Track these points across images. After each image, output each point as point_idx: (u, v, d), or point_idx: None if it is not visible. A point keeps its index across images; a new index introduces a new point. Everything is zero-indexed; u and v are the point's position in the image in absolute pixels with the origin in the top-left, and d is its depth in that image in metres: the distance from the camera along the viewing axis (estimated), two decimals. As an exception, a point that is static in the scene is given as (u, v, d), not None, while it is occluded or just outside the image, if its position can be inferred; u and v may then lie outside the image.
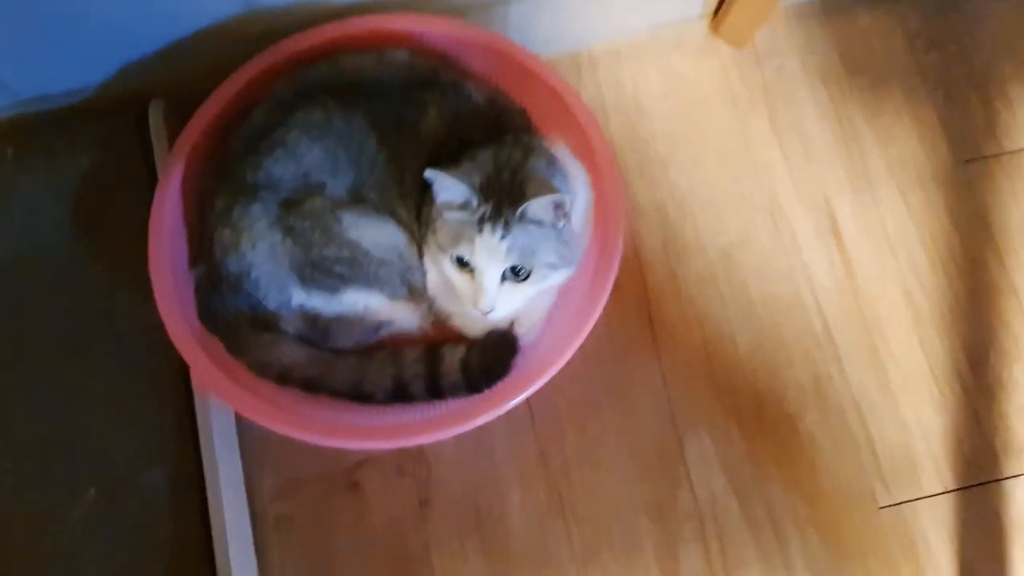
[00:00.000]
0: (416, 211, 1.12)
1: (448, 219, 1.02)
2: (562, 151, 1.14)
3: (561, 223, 1.03)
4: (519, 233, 0.99)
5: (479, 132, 1.12)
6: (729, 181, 1.37)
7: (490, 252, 0.99)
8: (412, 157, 1.09)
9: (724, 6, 1.41)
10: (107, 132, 1.23)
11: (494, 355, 1.11)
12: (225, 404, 1.16)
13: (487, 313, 1.02)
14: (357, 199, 1.10)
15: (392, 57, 1.15)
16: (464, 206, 1.00)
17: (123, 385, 1.12)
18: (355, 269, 1.09)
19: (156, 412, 1.12)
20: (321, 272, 1.08)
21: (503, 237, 0.99)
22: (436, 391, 1.09)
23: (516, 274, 1.02)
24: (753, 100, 1.43)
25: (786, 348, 1.29)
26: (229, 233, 1.07)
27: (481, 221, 0.99)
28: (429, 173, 0.99)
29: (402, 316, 1.16)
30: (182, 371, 1.12)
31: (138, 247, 1.07)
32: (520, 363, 1.10)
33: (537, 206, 0.98)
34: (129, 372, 1.13)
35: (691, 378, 1.26)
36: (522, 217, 0.98)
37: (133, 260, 1.08)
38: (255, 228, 1.05)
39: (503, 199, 1.00)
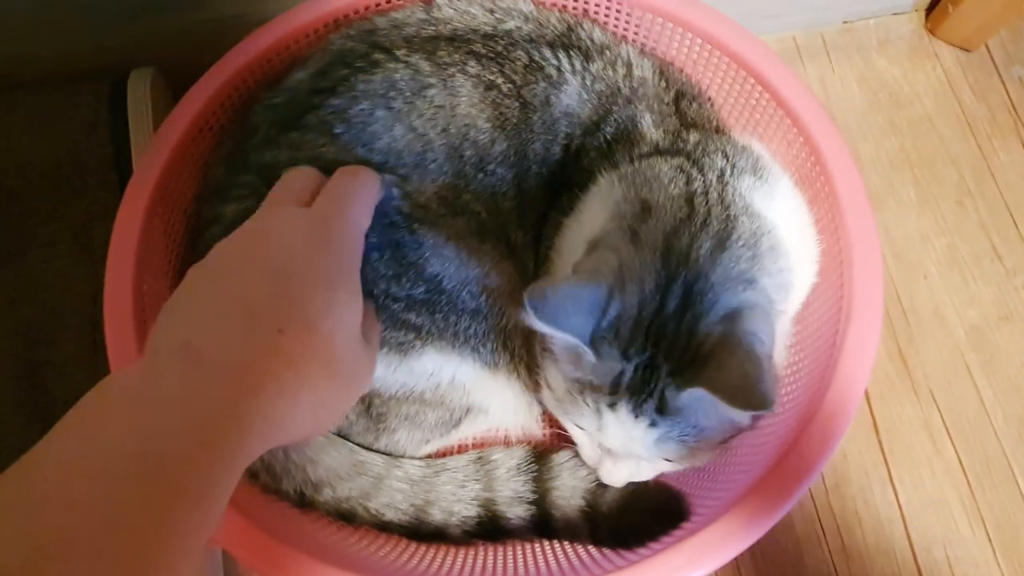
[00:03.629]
0: (538, 231, 0.80)
1: (559, 365, 0.70)
2: (783, 192, 0.78)
3: None
4: (681, 419, 0.65)
5: (651, 117, 0.79)
6: (975, 231, 1.08)
7: (629, 439, 0.67)
8: (541, 148, 0.78)
9: (947, -2, 1.16)
10: (60, 107, 0.94)
11: (637, 513, 0.79)
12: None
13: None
14: (453, 210, 0.75)
15: (510, 5, 0.83)
16: (575, 353, 0.66)
17: None
18: (436, 319, 0.74)
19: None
20: (388, 320, 0.73)
21: (652, 425, 0.65)
22: (548, 529, 0.80)
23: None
24: (996, 122, 1.15)
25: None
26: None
27: (614, 392, 0.65)
28: (528, 297, 0.60)
29: (502, 401, 0.83)
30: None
31: (89, 272, 0.84)
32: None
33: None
34: None
35: (947, 524, 0.93)
36: (691, 400, 0.64)
37: (80, 293, 0.85)
38: None
39: (661, 354, 0.64)
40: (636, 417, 0.64)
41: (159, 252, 0.79)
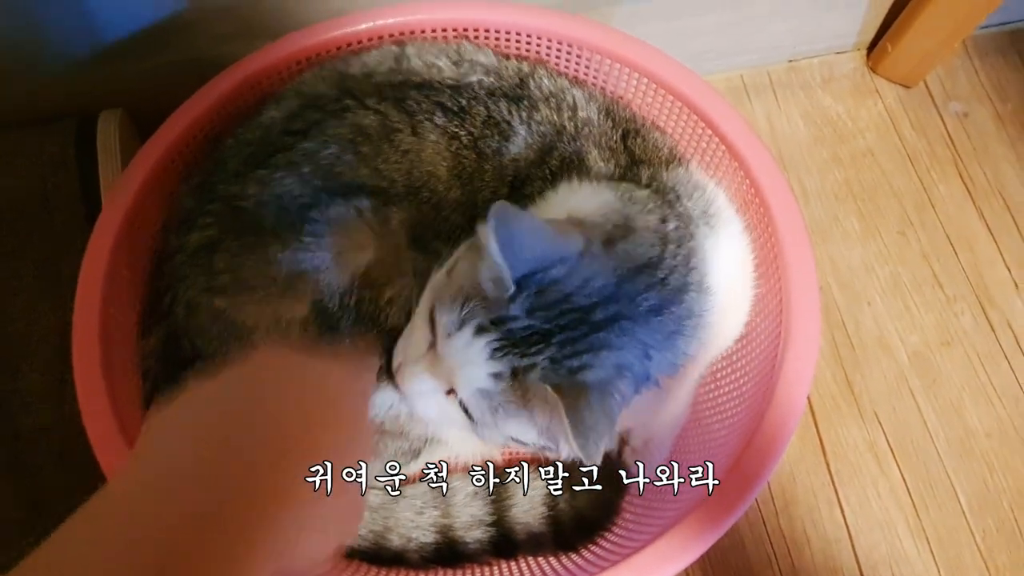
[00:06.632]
0: None
1: (479, 264, 0.67)
2: (729, 241, 0.81)
3: None
4: (516, 396, 0.65)
5: (597, 152, 0.83)
6: (917, 259, 1.13)
7: (463, 364, 0.65)
8: (490, 195, 0.81)
9: (887, 37, 1.22)
10: (29, 147, 0.96)
11: (590, 495, 0.83)
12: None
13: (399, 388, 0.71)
14: (416, 247, 0.79)
15: (473, 57, 0.88)
16: (496, 281, 0.65)
17: (18, 521, 0.83)
18: None
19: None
20: None
21: (495, 376, 0.64)
22: (507, 547, 0.83)
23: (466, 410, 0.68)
24: (935, 156, 1.20)
25: (1029, 502, 0.99)
26: (204, 283, 0.76)
27: (495, 324, 0.64)
28: (494, 210, 0.61)
29: (460, 432, 0.81)
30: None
31: (56, 305, 0.84)
32: (639, 504, 0.83)
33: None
34: (29, 496, 0.84)
35: (892, 543, 0.96)
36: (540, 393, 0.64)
37: (46, 326, 0.85)
38: (255, 284, 0.75)
39: (556, 338, 0.64)
40: (488, 357, 0.63)
41: (125, 287, 0.81)
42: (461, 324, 0.64)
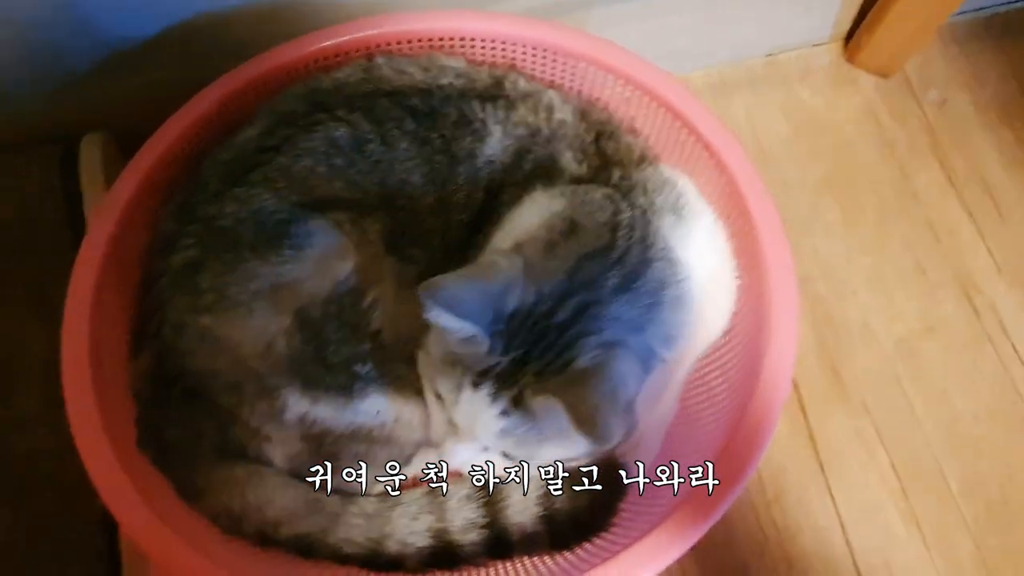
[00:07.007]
0: None
1: (444, 334, 0.72)
2: (702, 231, 0.85)
3: None
4: (529, 420, 0.70)
5: (571, 155, 0.85)
6: (899, 248, 1.14)
7: (477, 421, 0.71)
8: (464, 198, 0.84)
9: (863, 28, 1.24)
10: (13, 171, 0.98)
11: (589, 496, 0.83)
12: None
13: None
14: (393, 254, 0.82)
15: (444, 63, 0.89)
16: (469, 341, 0.69)
17: (17, 546, 0.84)
18: (379, 368, 0.80)
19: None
20: (334, 371, 0.78)
21: (503, 414, 0.69)
22: (502, 548, 0.82)
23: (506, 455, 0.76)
24: (915, 144, 1.21)
25: (1021, 485, 1.00)
26: (189, 303, 0.77)
27: (483, 375, 0.69)
28: (423, 293, 0.65)
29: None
30: (106, 527, 0.83)
31: (47, 328, 0.79)
32: (632, 499, 0.83)
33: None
34: (24, 525, 0.84)
35: (883, 529, 0.97)
36: (544, 406, 0.69)
37: (37, 349, 0.85)
38: (239, 300, 0.76)
39: (535, 354, 0.69)
40: (492, 402, 0.69)
41: (113, 308, 0.82)
42: (458, 388, 0.70)
